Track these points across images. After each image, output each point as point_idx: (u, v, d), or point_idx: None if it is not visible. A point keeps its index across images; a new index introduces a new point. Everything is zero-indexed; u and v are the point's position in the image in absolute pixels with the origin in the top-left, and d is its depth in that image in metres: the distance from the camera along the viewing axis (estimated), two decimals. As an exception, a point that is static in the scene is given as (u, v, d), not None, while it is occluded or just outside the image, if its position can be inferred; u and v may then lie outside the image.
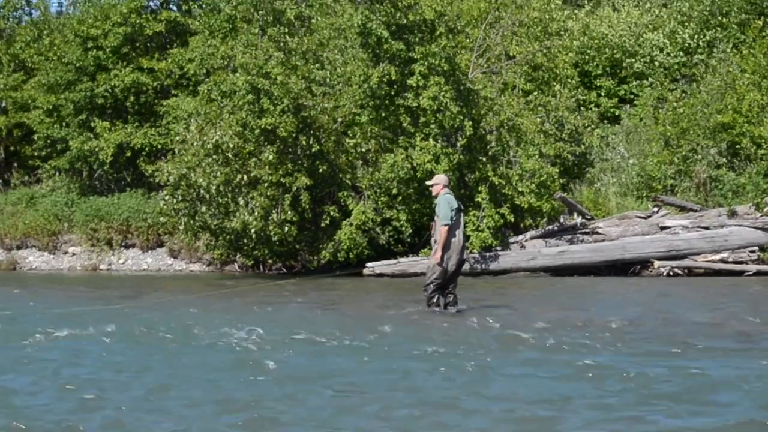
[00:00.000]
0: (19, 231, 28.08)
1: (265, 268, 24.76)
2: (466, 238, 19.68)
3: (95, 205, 27.61)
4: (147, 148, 27.79)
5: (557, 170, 22.65)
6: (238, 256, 24.69)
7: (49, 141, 29.35)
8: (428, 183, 14.34)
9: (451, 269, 13.70)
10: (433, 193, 13.93)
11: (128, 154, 28.01)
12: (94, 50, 28.50)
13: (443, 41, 21.78)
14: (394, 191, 21.89)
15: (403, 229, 22.07)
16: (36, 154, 30.34)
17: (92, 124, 28.15)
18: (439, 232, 13.49)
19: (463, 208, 14.17)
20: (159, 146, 27.50)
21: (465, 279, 20.01)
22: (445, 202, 13.51)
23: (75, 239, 27.78)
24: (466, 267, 20.76)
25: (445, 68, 21.69)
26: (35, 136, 29.65)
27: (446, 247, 13.51)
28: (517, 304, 15.01)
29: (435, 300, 13.65)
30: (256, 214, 21.48)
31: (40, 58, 30.54)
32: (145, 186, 27.67)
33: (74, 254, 27.55)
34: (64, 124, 28.96)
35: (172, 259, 26.69)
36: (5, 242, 28.29)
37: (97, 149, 27.69)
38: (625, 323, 12.07)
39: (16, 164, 32.21)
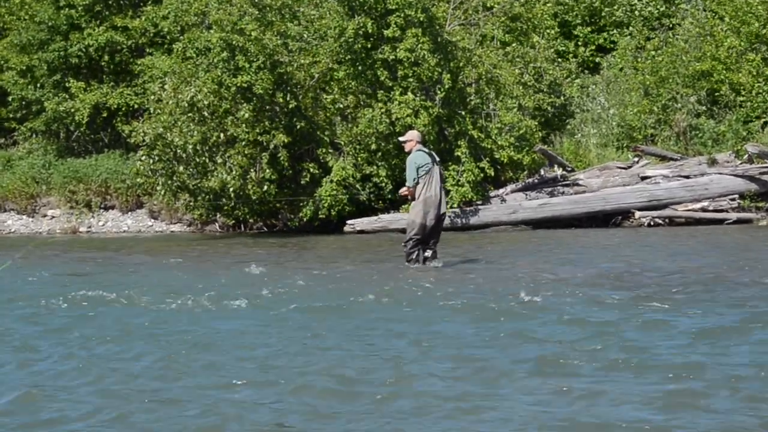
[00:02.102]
0: (-3, 194, 27.82)
1: (246, 228, 24.63)
2: (446, 192, 19.59)
3: (73, 166, 27.32)
4: (123, 108, 27.45)
5: (537, 123, 22.52)
6: (218, 215, 24.54)
7: (23, 102, 28.92)
8: (401, 139, 14.27)
9: (430, 224, 13.65)
10: (406, 149, 13.82)
11: (105, 114, 27.65)
12: (67, 9, 27.99)
13: (420, -10, 21.51)
14: (374, 147, 21.73)
15: (384, 185, 21.94)
16: (11, 116, 29.93)
17: (67, 85, 27.76)
18: (402, 191, 13.68)
19: (438, 159, 14.06)
20: (135, 106, 27.15)
21: (446, 234, 20.01)
22: (411, 164, 13.48)
23: (54, 202, 27.51)
24: (446, 222, 20.86)
25: (422, 19, 21.46)
26: (9, 98, 29.23)
27: (423, 202, 13.45)
28: (492, 259, 14.96)
29: (414, 256, 13.61)
30: (234, 172, 21.32)
31: (11, 17, 30.02)
32: (123, 147, 27.36)
33: (53, 217, 27.32)
34: (38, 85, 28.56)
35: (152, 221, 26.50)
36: (-17, 206, 28.05)
37: (72, 110, 27.32)
38: (591, 274, 12.09)
39: (-9, 127, 31.80)
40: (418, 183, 13.39)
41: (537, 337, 8.14)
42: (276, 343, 8.17)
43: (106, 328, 9.05)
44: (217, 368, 7.29)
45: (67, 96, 27.66)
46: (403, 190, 13.98)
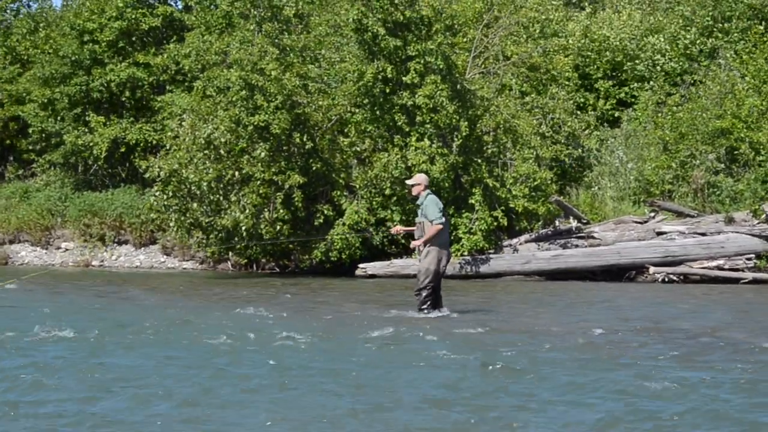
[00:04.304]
0: (12, 225, 27.86)
1: (258, 267, 24.53)
2: (456, 240, 19.51)
3: (88, 200, 27.38)
4: (142, 144, 27.57)
5: (552, 174, 22.41)
6: (231, 254, 24.45)
7: (43, 135, 29.14)
8: (408, 182, 14.04)
9: (443, 271, 13.50)
10: (413, 193, 13.66)
11: (123, 149, 27.79)
12: (90, 44, 28.30)
13: (439, 38, 21.53)
14: (388, 191, 21.64)
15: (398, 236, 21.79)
16: (31, 147, 30.12)
17: (87, 119, 27.93)
18: (428, 232, 13.25)
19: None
20: (154, 142, 27.26)
21: (456, 282, 19.85)
22: (432, 203, 13.28)
23: (68, 234, 27.55)
24: (456, 269, 20.70)
25: (441, 66, 21.47)
26: (30, 130, 29.43)
27: (438, 248, 13.27)
28: (500, 310, 14.76)
29: (429, 304, 13.39)
30: (247, 211, 21.25)
31: (35, 50, 30.31)
32: (139, 182, 27.44)
33: (67, 249, 27.33)
34: (59, 117, 28.75)
35: (164, 257, 26.45)
36: (-2, 236, 28.10)
37: (91, 144, 27.45)
38: (600, 331, 11.90)
39: (11, 158, 32.01)
40: (441, 224, 13.18)
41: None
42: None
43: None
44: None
45: (86, 130, 27.83)
46: (416, 242, 13.53)
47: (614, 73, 28.70)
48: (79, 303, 15.42)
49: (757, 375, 8.77)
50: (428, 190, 13.50)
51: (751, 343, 10.77)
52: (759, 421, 7.06)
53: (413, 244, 13.73)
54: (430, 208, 13.21)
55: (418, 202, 13.46)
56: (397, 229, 14.76)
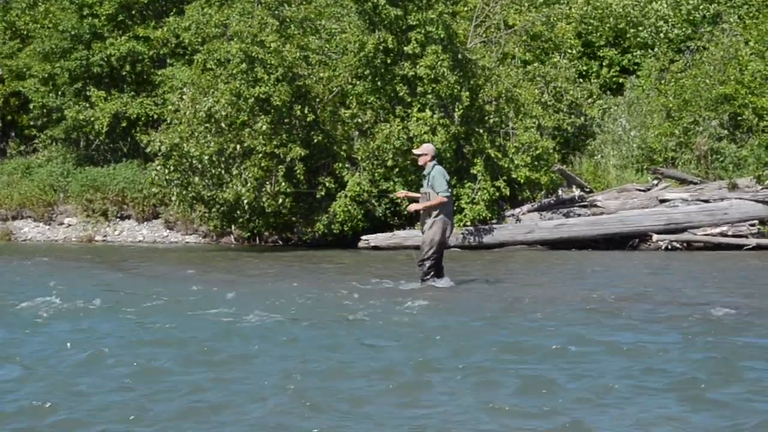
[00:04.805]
0: (15, 201, 27.85)
1: (261, 240, 24.51)
2: (459, 210, 19.45)
3: (91, 175, 27.34)
4: (143, 118, 27.48)
5: (553, 144, 22.31)
6: (233, 228, 24.43)
7: (44, 110, 29.05)
8: (415, 152, 13.95)
9: (447, 242, 13.47)
10: (420, 163, 13.57)
11: (124, 124, 27.69)
12: (90, 18, 28.14)
13: (440, 7, 21.37)
14: (390, 162, 21.57)
15: (400, 200, 21.76)
16: (32, 123, 30.04)
17: (88, 93, 27.83)
18: (431, 201, 13.20)
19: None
20: (155, 116, 27.16)
21: (459, 252, 19.84)
22: (440, 174, 13.18)
23: (70, 210, 27.53)
24: (460, 239, 20.69)
25: (442, 36, 21.32)
26: (31, 105, 29.34)
27: (443, 219, 13.21)
28: (502, 278, 14.75)
29: (432, 274, 13.36)
30: (249, 185, 21.20)
31: (35, 25, 30.16)
32: (141, 157, 27.35)
33: (69, 225, 27.32)
34: (59, 92, 28.65)
35: (167, 231, 26.43)
36: (0, 212, 28.07)
37: (92, 119, 27.37)
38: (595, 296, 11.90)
39: (13, 134, 31.93)
40: (447, 196, 13.13)
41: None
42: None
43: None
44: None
45: (87, 105, 27.73)
46: (416, 206, 13.58)
47: (617, 41, 28.52)
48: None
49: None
50: (435, 161, 13.41)
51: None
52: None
53: (411, 207, 13.66)
54: (438, 179, 13.12)
55: (425, 173, 13.36)
56: (402, 193, 14.71)
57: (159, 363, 7.89)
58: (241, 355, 8.17)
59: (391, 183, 21.76)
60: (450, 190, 13.30)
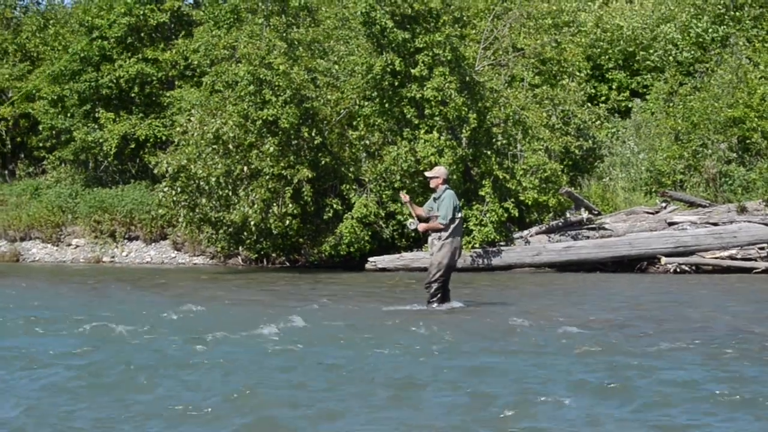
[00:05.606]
0: (23, 222, 27.86)
1: (268, 262, 24.48)
2: (468, 232, 19.39)
3: (99, 196, 27.36)
4: (151, 140, 27.55)
5: (561, 166, 22.27)
6: (241, 249, 24.40)
7: (53, 131, 29.16)
8: (427, 174, 13.86)
9: (455, 265, 13.41)
10: (431, 185, 13.52)
11: (133, 145, 27.77)
12: (99, 40, 28.27)
13: (448, 30, 21.39)
14: (398, 184, 21.54)
15: (407, 222, 21.69)
16: (41, 144, 30.15)
17: (97, 115, 27.93)
18: (432, 224, 13.17)
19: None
20: (163, 138, 27.24)
21: (467, 274, 19.75)
22: (449, 200, 13.11)
23: (78, 231, 27.53)
24: (468, 262, 20.62)
25: (449, 58, 21.34)
26: (40, 127, 29.45)
27: (452, 243, 13.15)
28: (511, 301, 14.66)
29: (438, 297, 13.28)
30: (256, 206, 21.19)
31: (45, 48, 30.32)
32: (149, 178, 27.40)
33: (77, 246, 27.33)
34: (68, 114, 28.75)
35: (175, 252, 26.41)
36: (9, 234, 28.07)
37: (101, 140, 27.45)
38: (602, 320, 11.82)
39: (22, 155, 32.03)
40: (452, 222, 13.09)
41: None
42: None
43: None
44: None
45: (96, 126, 27.82)
46: (422, 226, 13.51)
47: (626, 63, 28.51)
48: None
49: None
50: (446, 185, 13.36)
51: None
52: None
53: (420, 227, 13.50)
54: (445, 204, 13.07)
55: (435, 195, 13.33)
56: (407, 198, 14.63)
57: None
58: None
59: (399, 204, 21.71)
60: (459, 214, 13.24)
